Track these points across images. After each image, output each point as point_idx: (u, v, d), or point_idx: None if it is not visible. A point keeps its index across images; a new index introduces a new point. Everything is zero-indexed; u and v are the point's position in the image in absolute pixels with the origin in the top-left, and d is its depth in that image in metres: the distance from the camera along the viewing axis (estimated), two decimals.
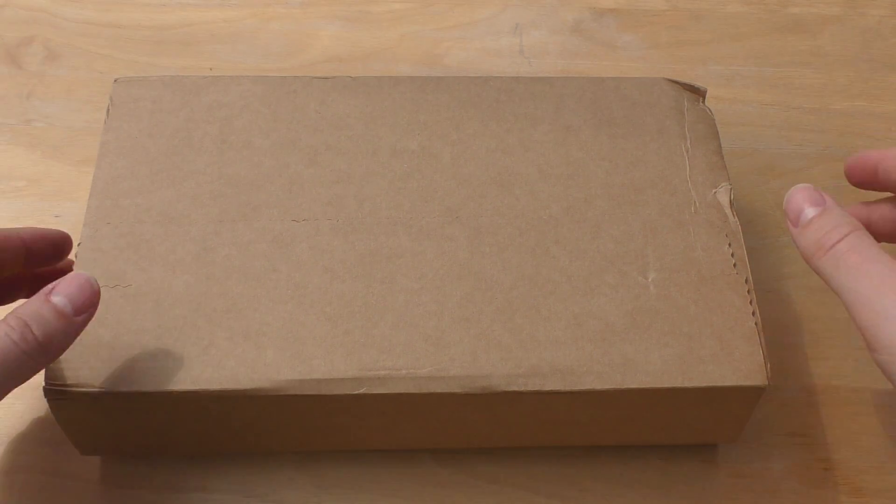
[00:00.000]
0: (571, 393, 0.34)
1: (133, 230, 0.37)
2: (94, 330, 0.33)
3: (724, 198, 0.38)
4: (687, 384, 0.34)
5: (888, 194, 0.39)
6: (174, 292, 0.35)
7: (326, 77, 0.42)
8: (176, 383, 0.33)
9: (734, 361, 0.34)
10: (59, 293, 0.31)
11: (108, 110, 0.40)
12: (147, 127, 0.40)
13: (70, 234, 0.39)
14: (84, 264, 0.36)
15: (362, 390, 0.33)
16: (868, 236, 0.33)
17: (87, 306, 0.32)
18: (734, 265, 0.36)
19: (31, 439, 0.39)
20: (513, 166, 0.39)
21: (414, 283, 0.36)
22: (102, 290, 0.33)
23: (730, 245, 0.37)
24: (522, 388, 0.33)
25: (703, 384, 0.34)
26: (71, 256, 0.36)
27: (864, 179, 0.39)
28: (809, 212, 0.34)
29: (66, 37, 0.52)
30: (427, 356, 0.34)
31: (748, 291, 0.36)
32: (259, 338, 0.34)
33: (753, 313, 0.35)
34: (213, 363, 0.33)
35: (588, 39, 0.55)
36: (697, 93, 0.42)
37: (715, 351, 0.34)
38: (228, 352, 0.34)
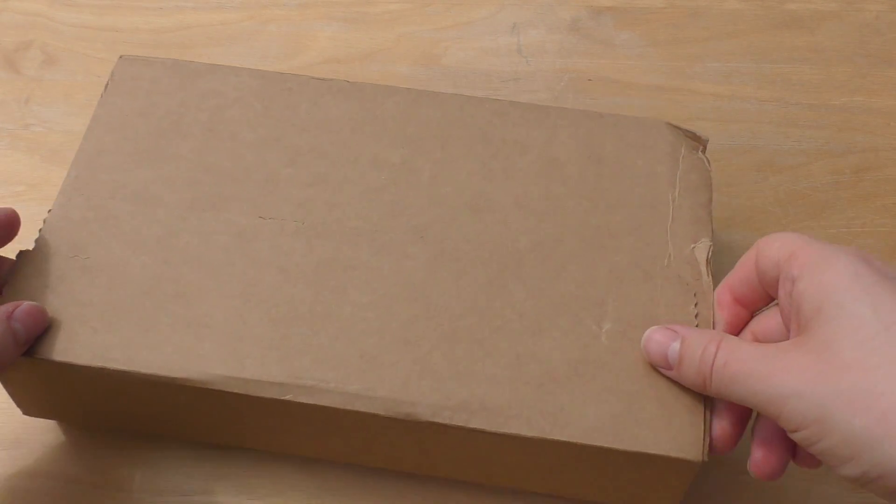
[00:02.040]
0: (496, 434, 0.32)
1: (104, 205, 0.36)
2: (43, 296, 0.34)
3: (701, 254, 0.36)
4: (617, 445, 0.32)
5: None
6: (129, 271, 0.35)
7: (323, 79, 0.41)
8: (109, 361, 0.33)
9: (672, 430, 0.32)
10: (20, 322, 0.32)
11: (106, 84, 0.40)
12: (140, 106, 0.39)
13: None
14: (50, 230, 0.36)
15: (287, 397, 0.33)
16: (731, 339, 0.31)
17: (33, 338, 0.33)
18: (696, 327, 0.34)
19: (32, 443, 0.39)
20: (490, 193, 0.37)
21: (364, 297, 0.35)
22: (63, 259, 0.34)
23: (696, 305, 0.35)
24: (447, 422, 0.32)
25: (635, 449, 0.32)
26: (39, 224, 0.36)
27: (757, 299, 0.35)
28: (672, 351, 0.32)
29: (63, 41, 0.52)
30: (358, 373, 0.33)
31: None
32: (200, 328, 0.34)
33: None
34: (150, 346, 0.33)
35: (586, 38, 0.54)
36: (698, 141, 0.40)
37: (654, 415, 0.32)
38: (167, 338, 0.33)
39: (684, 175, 0.39)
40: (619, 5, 0.55)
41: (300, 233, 0.36)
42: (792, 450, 0.33)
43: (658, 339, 0.33)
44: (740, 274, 0.34)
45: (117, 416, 0.37)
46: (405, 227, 0.36)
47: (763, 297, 0.34)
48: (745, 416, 0.34)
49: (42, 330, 0.33)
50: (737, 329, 0.35)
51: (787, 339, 0.31)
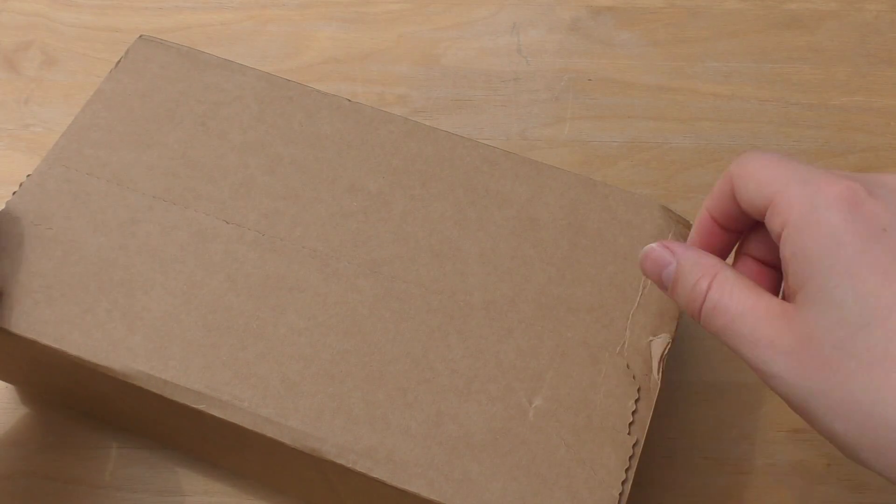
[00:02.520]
0: (396, 488, 0.31)
1: (80, 179, 0.36)
2: None
3: (657, 349, 0.34)
4: None
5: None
6: (84, 249, 0.35)
7: (325, 93, 0.40)
8: (41, 335, 0.33)
9: None
10: None
11: (118, 61, 0.40)
12: (143, 88, 0.39)
13: None
14: (24, 194, 0.36)
15: (200, 407, 0.32)
16: (727, 276, 0.30)
17: None
18: (630, 424, 0.32)
19: (32, 443, 0.39)
20: (457, 241, 0.36)
21: (301, 321, 0.34)
22: (27, 225, 0.35)
23: (636, 402, 0.33)
24: (350, 465, 0.31)
25: None
26: (15, 187, 0.36)
27: (728, 226, 0.33)
28: (667, 274, 0.31)
29: (63, 41, 0.52)
30: (275, 398, 0.32)
31: (629, 458, 0.32)
32: (134, 320, 0.33)
33: (623, 482, 0.31)
34: (82, 328, 0.33)
35: (585, 37, 0.54)
36: (689, 228, 0.38)
37: None
38: (101, 323, 0.33)
39: None
40: (619, 5, 0.55)
41: (257, 244, 0.36)
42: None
43: (655, 258, 0.32)
44: (719, 205, 0.32)
45: (55, 391, 0.38)
46: (362, 258, 0.36)
47: (748, 220, 0.32)
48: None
49: None
50: (725, 253, 0.33)
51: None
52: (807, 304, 0.27)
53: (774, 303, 0.29)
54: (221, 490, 0.38)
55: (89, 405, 0.39)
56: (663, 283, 0.32)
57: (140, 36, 0.41)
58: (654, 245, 0.32)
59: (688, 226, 0.38)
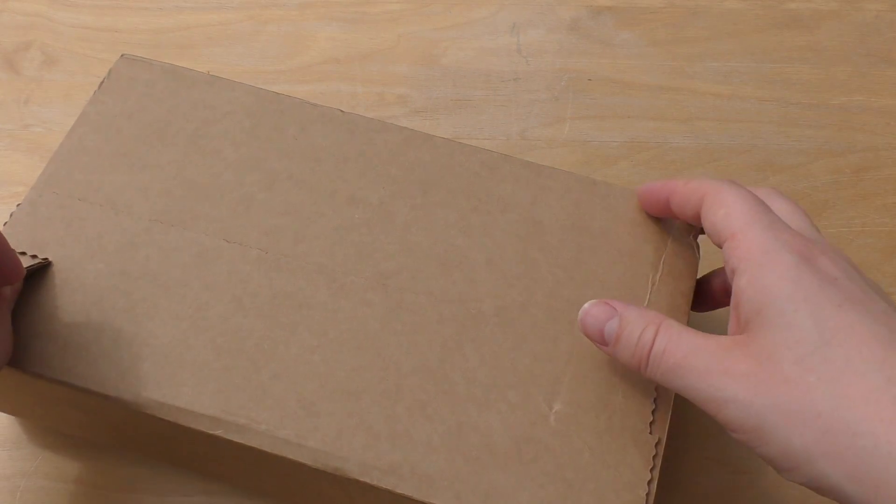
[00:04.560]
0: (423, 503, 0.31)
1: (73, 205, 0.35)
2: None
3: None
4: None
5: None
6: (83, 277, 0.34)
7: (317, 104, 0.39)
8: (45, 369, 0.32)
9: None
10: None
11: (101, 82, 0.39)
12: (130, 108, 0.38)
13: None
14: (15, 224, 0.35)
15: (218, 432, 0.31)
16: (672, 325, 0.30)
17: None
18: (651, 423, 0.32)
19: (33, 444, 0.39)
20: (463, 248, 0.35)
21: (313, 339, 0.33)
22: (22, 257, 0.33)
23: (655, 401, 0.32)
24: (375, 483, 0.31)
25: None
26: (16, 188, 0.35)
27: (659, 211, 0.36)
28: (609, 329, 0.31)
29: (63, 42, 0.51)
30: (293, 419, 0.31)
31: (653, 457, 0.31)
32: (142, 347, 0.32)
33: (649, 482, 0.31)
34: (87, 359, 0.32)
35: (585, 37, 0.53)
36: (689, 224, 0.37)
37: None
38: (107, 353, 0.32)
39: (670, 258, 0.36)
40: (619, 5, 0.55)
41: (262, 262, 0.35)
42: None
43: (595, 314, 0.32)
44: (675, 200, 0.34)
45: (63, 423, 0.37)
46: (370, 271, 0.35)
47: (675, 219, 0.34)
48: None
49: (20, 278, 0.32)
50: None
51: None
52: (764, 327, 0.28)
53: (724, 338, 0.29)
54: (221, 490, 0.38)
55: (101, 436, 0.38)
56: (605, 339, 0.32)
57: (122, 55, 0.40)
58: (592, 302, 0.32)
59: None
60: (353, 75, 0.51)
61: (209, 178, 0.37)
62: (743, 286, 0.29)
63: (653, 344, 0.30)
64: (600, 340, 0.32)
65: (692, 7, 0.54)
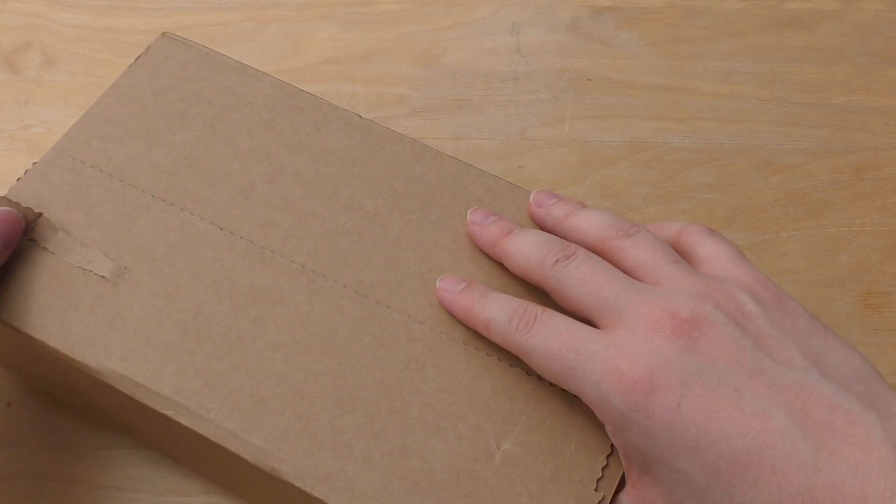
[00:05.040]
0: None
1: (84, 171, 0.36)
2: None
3: None
4: None
5: None
6: (76, 243, 0.34)
7: (337, 106, 0.39)
8: (22, 323, 0.32)
9: None
10: None
11: (138, 56, 0.40)
12: (159, 85, 0.39)
13: None
14: (28, 180, 0.36)
15: (168, 413, 0.31)
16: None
17: (11, 242, 0.33)
18: (599, 480, 0.31)
19: (32, 443, 0.39)
20: (450, 270, 0.35)
21: (280, 336, 0.33)
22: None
23: (608, 457, 0.31)
24: (307, 489, 0.31)
25: None
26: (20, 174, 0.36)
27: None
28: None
29: (63, 42, 0.51)
30: (242, 412, 0.31)
31: None
32: (115, 318, 0.33)
33: None
34: (64, 321, 0.32)
35: (585, 37, 0.53)
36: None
37: None
38: (82, 318, 0.33)
39: None
40: (619, 5, 0.55)
41: (247, 253, 0.35)
42: None
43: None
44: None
45: (41, 380, 0.38)
46: (350, 279, 0.35)
47: None
48: None
49: (18, 234, 0.34)
50: None
51: None
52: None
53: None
54: (221, 490, 0.38)
55: (70, 398, 0.38)
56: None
57: (163, 33, 0.41)
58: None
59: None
60: (353, 75, 0.51)
61: (217, 163, 0.37)
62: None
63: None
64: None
65: (692, 7, 0.54)
